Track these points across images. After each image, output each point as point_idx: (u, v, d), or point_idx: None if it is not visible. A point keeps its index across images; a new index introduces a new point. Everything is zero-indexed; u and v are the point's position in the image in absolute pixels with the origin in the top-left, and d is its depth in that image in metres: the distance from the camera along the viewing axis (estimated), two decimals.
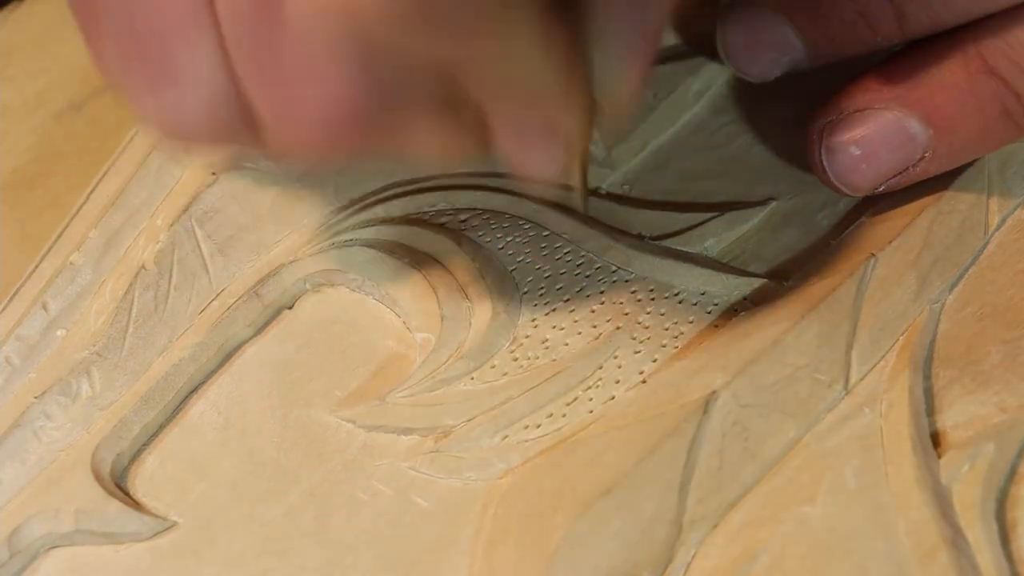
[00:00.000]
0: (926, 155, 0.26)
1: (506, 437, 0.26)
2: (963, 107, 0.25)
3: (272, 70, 0.20)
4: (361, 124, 0.21)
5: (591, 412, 0.26)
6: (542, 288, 0.28)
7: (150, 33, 0.21)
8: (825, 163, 0.27)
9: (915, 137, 0.26)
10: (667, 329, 0.27)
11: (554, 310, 0.27)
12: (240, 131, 0.22)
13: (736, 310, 0.27)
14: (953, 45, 0.25)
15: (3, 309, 0.28)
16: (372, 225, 0.29)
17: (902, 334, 0.26)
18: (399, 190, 0.29)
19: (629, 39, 0.22)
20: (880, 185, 0.26)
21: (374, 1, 0.18)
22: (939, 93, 0.25)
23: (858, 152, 0.26)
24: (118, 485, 0.26)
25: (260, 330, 0.28)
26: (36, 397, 0.27)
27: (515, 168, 0.23)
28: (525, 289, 0.28)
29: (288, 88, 0.20)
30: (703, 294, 0.27)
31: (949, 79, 0.25)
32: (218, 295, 0.28)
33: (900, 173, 0.26)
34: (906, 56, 0.26)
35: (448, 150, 0.22)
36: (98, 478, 0.26)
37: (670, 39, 0.32)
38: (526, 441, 0.25)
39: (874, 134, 0.26)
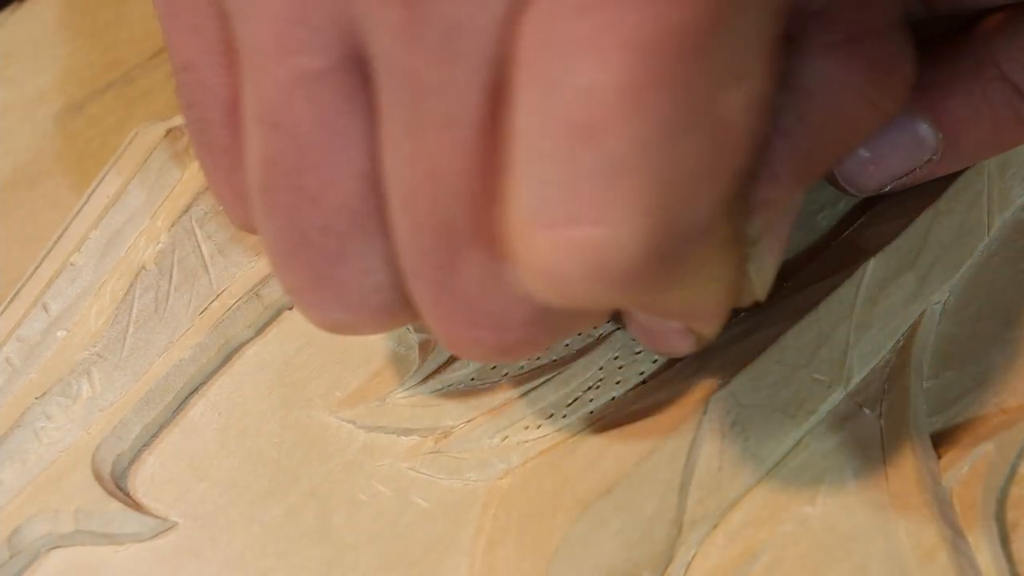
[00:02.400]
0: (934, 157, 0.26)
1: (506, 437, 0.26)
2: (974, 112, 0.25)
3: (449, 305, 0.20)
4: (527, 349, 0.21)
5: (591, 412, 0.26)
6: None
7: (319, 244, 0.21)
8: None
9: (924, 140, 0.25)
10: None
11: None
12: (399, 325, 0.23)
13: (736, 310, 0.27)
14: (965, 50, 0.25)
15: (3, 310, 0.28)
16: None
17: (902, 334, 0.26)
18: None
19: (780, 237, 0.22)
20: (887, 186, 0.27)
21: (615, 290, 0.17)
22: (950, 97, 0.25)
23: (867, 154, 0.26)
24: (118, 485, 0.26)
25: (260, 331, 0.28)
26: (36, 398, 0.27)
27: (643, 343, 0.25)
28: None
29: (464, 324, 0.20)
30: None
31: (961, 83, 0.25)
32: (218, 296, 0.28)
33: (907, 174, 0.26)
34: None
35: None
36: (98, 478, 0.26)
37: None
38: (526, 441, 0.25)
39: (883, 137, 0.26)
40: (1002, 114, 0.25)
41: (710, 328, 0.23)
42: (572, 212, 0.17)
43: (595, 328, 0.27)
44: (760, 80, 0.17)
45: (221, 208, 0.24)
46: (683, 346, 0.24)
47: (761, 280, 0.23)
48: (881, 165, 0.26)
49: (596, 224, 0.17)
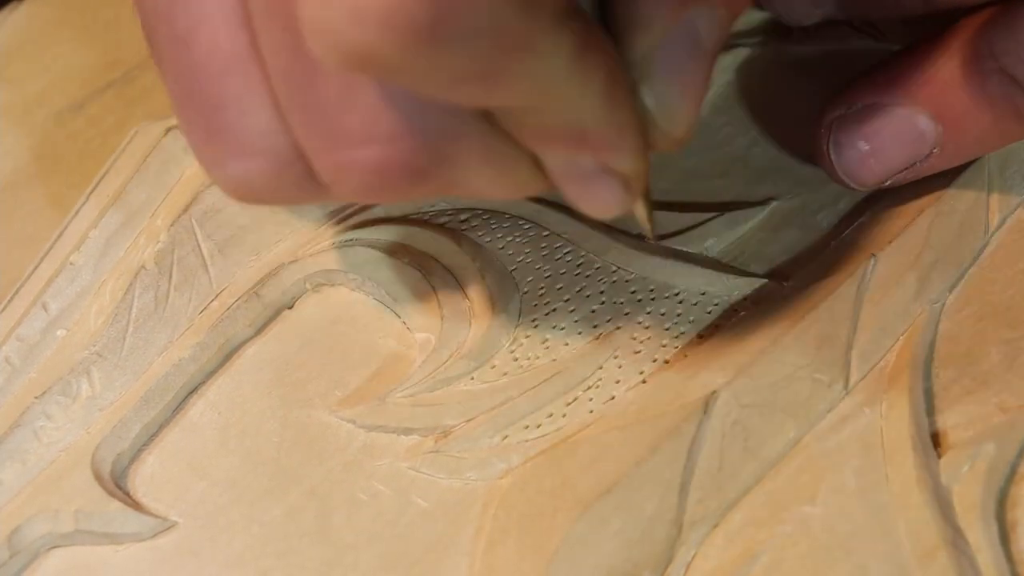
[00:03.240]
0: (934, 151, 0.26)
1: (506, 437, 0.26)
2: (974, 105, 0.25)
3: (321, 127, 0.20)
4: (417, 172, 0.20)
5: (591, 412, 0.26)
6: (542, 288, 0.28)
7: (202, 91, 0.21)
8: (833, 157, 0.27)
9: (924, 133, 0.25)
10: (667, 329, 0.27)
11: (554, 310, 0.27)
12: (306, 188, 0.22)
13: (736, 310, 0.27)
14: (965, 43, 0.25)
15: (3, 309, 0.28)
16: (372, 225, 0.29)
17: (902, 334, 0.26)
18: None
19: (678, 67, 0.21)
20: (887, 180, 0.26)
21: (382, 39, 0.17)
22: (950, 90, 0.25)
23: (867, 147, 0.26)
24: (118, 485, 0.26)
25: (260, 330, 0.28)
26: (36, 397, 0.27)
27: (578, 207, 0.23)
28: (525, 289, 0.28)
29: (340, 144, 0.20)
30: (703, 294, 0.27)
31: (960, 77, 0.25)
32: (218, 295, 0.28)
33: (907, 168, 0.26)
34: (916, 53, 0.26)
35: (508, 191, 0.22)
36: (98, 478, 0.26)
37: None
38: (526, 441, 0.25)
39: (883, 130, 0.26)
40: (1001, 107, 0.25)
41: (624, 162, 0.22)
42: None
43: (595, 328, 0.27)
44: None
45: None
46: (609, 192, 0.22)
47: (667, 113, 0.22)
48: (881, 159, 0.26)
49: None
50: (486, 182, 0.21)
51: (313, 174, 0.21)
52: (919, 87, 0.25)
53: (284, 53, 0.19)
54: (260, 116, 0.21)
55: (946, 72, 0.25)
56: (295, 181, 0.22)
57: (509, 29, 0.17)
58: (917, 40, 0.26)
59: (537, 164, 0.22)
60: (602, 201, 0.22)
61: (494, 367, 0.26)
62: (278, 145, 0.21)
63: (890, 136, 0.26)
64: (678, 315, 0.27)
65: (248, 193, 0.22)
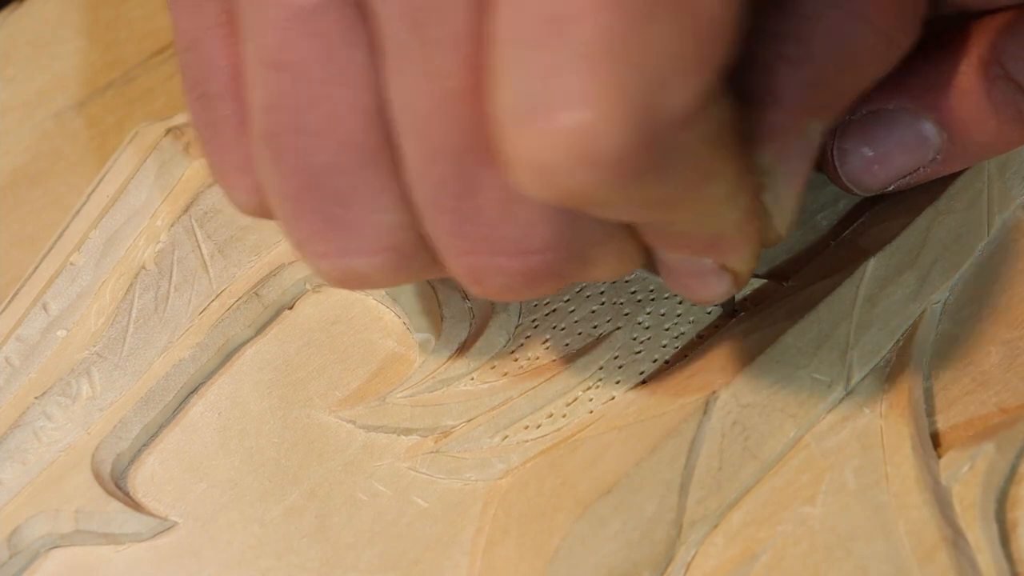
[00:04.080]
0: (938, 156, 0.26)
1: (506, 437, 0.26)
2: (978, 111, 0.25)
3: (473, 234, 0.20)
4: (559, 277, 0.21)
5: (591, 412, 0.26)
6: None
7: (327, 185, 0.21)
8: (837, 163, 0.27)
9: (928, 139, 0.25)
10: (667, 329, 0.27)
11: (554, 310, 0.27)
12: (420, 276, 0.23)
13: (736, 310, 0.27)
14: (970, 49, 0.25)
15: (3, 309, 0.28)
16: None
17: (902, 334, 0.26)
18: None
19: (795, 170, 0.22)
20: (891, 185, 0.26)
21: (601, 180, 0.17)
22: (954, 96, 0.25)
23: (871, 154, 0.26)
24: (118, 485, 0.26)
25: (260, 330, 0.28)
26: (36, 397, 0.27)
27: (682, 295, 0.24)
28: None
29: (491, 251, 0.20)
30: None
31: (965, 83, 0.25)
32: (218, 295, 0.28)
33: (911, 173, 0.26)
34: (921, 58, 0.26)
35: (612, 278, 0.23)
36: (98, 478, 0.26)
37: None
38: (526, 441, 0.25)
39: (887, 135, 0.26)
40: (1006, 113, 0.25)
41: (741, 263, 0.23)
42: (550, 101, 0.17)
43: (595, 328, 0.27)
44: None
45: (225, 190, 0.24)
46: (719, 287, 0.24)
47: (780, 214, 0.23)
48: (885, 164, 0.26)
49: (574, 110, 0.17)
50: (603, 274, 0.22)
51: (434, 265, 0.22)
52: (924, 93, 0.25)
53: (439, 162, 0.19)
54: (391, 213, 0.21)
55: (951, 78, 0.25)
56: (413, 271, 0.22)
57: (703, 163, 0.19)
58: (921, 46, 0.26)
59: (647, 252, 0.23)
60: (712, 294, 0.24)
61: (494, 367, 0.27)
62: (405, 241, 0.21)
63: (894, 142, 0.26)
64: (678, 315, 0.27)
65: (359, 282, 0.22)
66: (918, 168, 0.26)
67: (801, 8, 0.21)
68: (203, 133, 0.23)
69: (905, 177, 0.26)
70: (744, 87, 0.21)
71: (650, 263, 0.23)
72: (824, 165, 0.27)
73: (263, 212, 0.23)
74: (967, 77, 0.25)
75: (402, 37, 0.19)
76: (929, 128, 0.25)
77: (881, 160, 0.26)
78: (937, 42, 0.26)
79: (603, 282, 0.23)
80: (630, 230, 0.22)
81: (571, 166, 0.17)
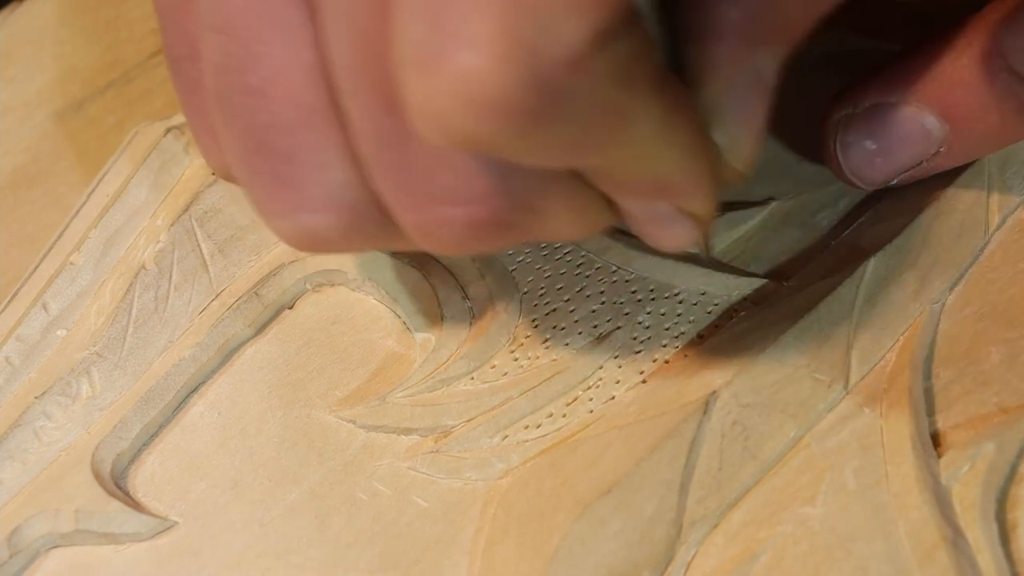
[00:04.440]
0: (941, 149, 0.26)
1: (506, 437, 0.26)
2: (981, 104, 0.25)
3: (413, 186, 0.20)
4: (506, 226, 0.21)
5: (591, 412, 0.26)
6: (542, 288, 0.28)
7: (274, 144, 0.21)
8: (840, 157, 0.27)
9: (931, 132, 0.25)
10: (667, 329, 0.27)
11: (554, 310, 0.27)
12: (378, 237, 0.22)
13: (736, 310, 0.27)
14: (972, 42, 0.25)
15: (3, 309, 0.28)
16: None
17: (902, 334, 0.26)
18: None
19: (745, 105, 0.22)
20: (893, 179, 0.26)
21: (491, 126, 0.17)
22: (957, 89, 0.25)
23: (873, 147, 0.26)
24: (118, 485, 0.26)
25: (260, 330, 0.28)
26: (36, 397, 0.27)
27: (650, 244, 0.24)
28: (525, 289, 0.28)
29: (432, 202, 0.20)
30: (703, 294, 0.27)
31: (967, 76, 0.25)
32: (218, 295, 0.28)
33: (914, 167, 0.26)
34: (923, 52, 0.26)
35: (582, 232, 0.23)
36: (98, 478, 0.26)
37: None
38: (526, 441, 0.25)
39: (890, 129, 0.26)
40: (1008, 105, 0.25)
41: (698, 205, 0.22)
42: (438, 48, 0.17)
43: (595, 328, 0.27)
44: None
45: (200, 151, 0.24)
46: (680, 231, 0.23)
47: (735, 151, 0.22)
48: (888, 158, 0.26)
49: (460, 54, 0.17)
50: (565, 227, 0.22)
51: (387, 224, 0.22)
52: (926, 86, 0.25)
53: (374, 115, 0.20)
54: (338, 170, 0.21)
55: (953, 71, 0.25)
56: (368, 231, 0.22)
57: (610, 104, 0.18)
58: (923, 39, 0.26)
59: (611, 204, 0.22)
60: (677, 239, 0.23)
61: (494, 367, 0.27)
62: (355, 197, 0.21)
63: (897, 135, 0.26)
64: (678, 315, 0.27)
65: (316, 243, 0.22)
66: (921, 161, 0.26)
67: None
68: (180, 99, 0.24)
69: (908, 171, 0.26)
70: (680, 23, 0.21)
71: (617, 216, 0.23)
72: (827, 159, 0.27)
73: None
74: (969, 70, 0.25)
75: None
76: (932, 121, 0.25)
77: (884, 153, 0.26)
78: (939, 35, 0.26)
79: (575, 238, 0.22)
80: (578, 178, 0.21)
81: (462, 112, 0.17)
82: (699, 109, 0.22)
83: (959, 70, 0.25)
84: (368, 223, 0.22)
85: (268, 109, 0.20)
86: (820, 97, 0.27)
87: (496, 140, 0.18)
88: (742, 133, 0.22)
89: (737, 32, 0.21)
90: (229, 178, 0.24)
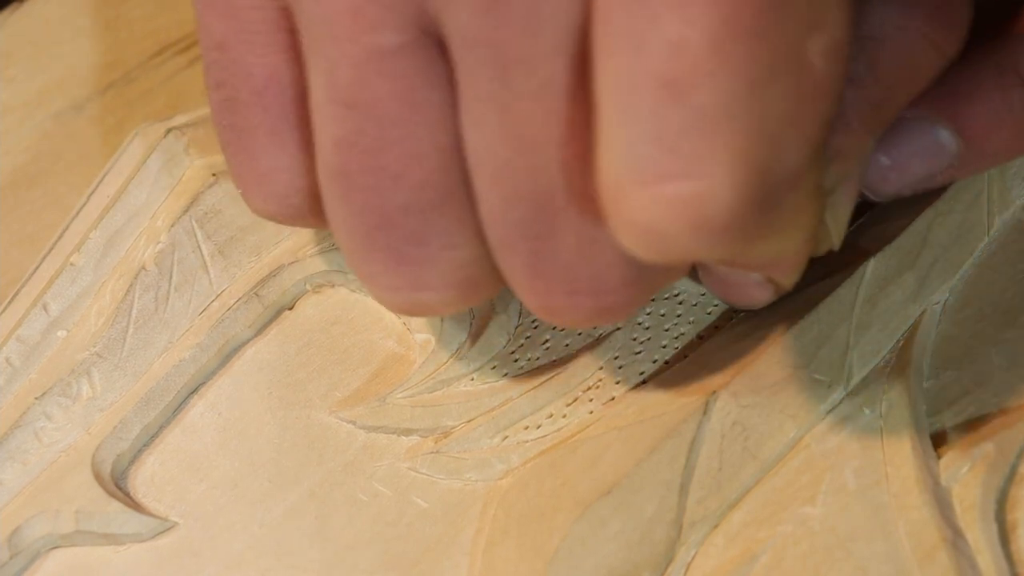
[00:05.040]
0: (954, 163, 0.26)
1: (506, 438, 0.26)
2: (995, 118, 0.25)
3: (549, 274, 0.20)
4: (625, 311, 0.21)
5: (591, 412, 0.26)
6: None
7: (402, 224, 0.21)
8: None
9: (945, 147, 0.25)
10: (667, 329, 0.27)
11: None
12: (482, 301, 0.23)
13: (736, 310, 0.27)
14: (986, 57, 0.25)
15: (3, 310, 0.28)
16: None
17: (902, 334, 0.26)
18: None
19: (855, 188, 0.23)
20: (906, 191, 0.26)
21: (712, 242, 0.18)
22: (971, 104, 0.25)
23: (888, 162, 0.26)
24: (118, 486, 0.26)
25: (260, 331, 0.28)
26: (36, 398, 0.27)
27: (721, 299, 0.25)
28: None
29: (567, 291, 0.21)
30: (703, 295, 0.27)
31: (981, 89, 0.25)
32: (218, 296, 0.28)
33: (926, 180, 0.26)
34: None
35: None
36: (98, 479, 0.26)
37: None
38: (526, 442, 0.25)
39: (903, 143, 0.26)
40: (1022, 119, 0.25)
41: (789, 278, 0.23)
42: (666, 168, 0.17)
43: (595, 328, 0.27)
44: (839, 25, 0.17)
45: (243, 195, 0.24)
46: (762, 296, 0.24)
47: (836, 228, 0.23)
48: (902, 171, 0.26)
49: (691, 178, 0.17)
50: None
51: (497, 292, 0.22)
52: (940, 100, 0.25)
53: (520, 206, 0.19)
54: (464, 249, 0.21)
55: (967, 85, 0.25)
56: (479, 300, 0.22)
57: (802, 208, 0.19)
58: None
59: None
60: (752, 302, 0.24)
61: (494, 367, 0.27)
62: (478, 274, 0.21)
63: (910, 149, 0.26)
64: (678, 315, 0.27)
65: (428, 312, 0.23)
66: (933, 174, 0.26)
67: (866, 31, 0.21)
68: (225, 135, 0.23)
69: (920, 183, 0.26)
70: None
71: (692, 272, 0.24)
72: None
73: (280, 219, 0.23)
74: (983, 84, 0.25)
75: (485, 85, 0.19)
76: (946, 135, 0.25)
77: (898, 168, 0.26)
78: None
79: None
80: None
81: (686, 232, 0.17)
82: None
83: (975, 85, 0.25)
84: (482, 294, 0.22)
85: (401, 191, 0.20)
86: None
87: (710, 254, 0.18)
88: (846, 211, 0.23)
89: (864, 120, 0.22)
90: (274, 220, 0.24)
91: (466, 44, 0.19)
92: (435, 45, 0.19)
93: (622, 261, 0.20)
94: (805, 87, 0.17)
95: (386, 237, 0.21)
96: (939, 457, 0.25)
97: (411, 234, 0.21)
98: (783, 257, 0.22)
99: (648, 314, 0.27)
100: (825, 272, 0.26)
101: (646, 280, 0.21)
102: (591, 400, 0.26)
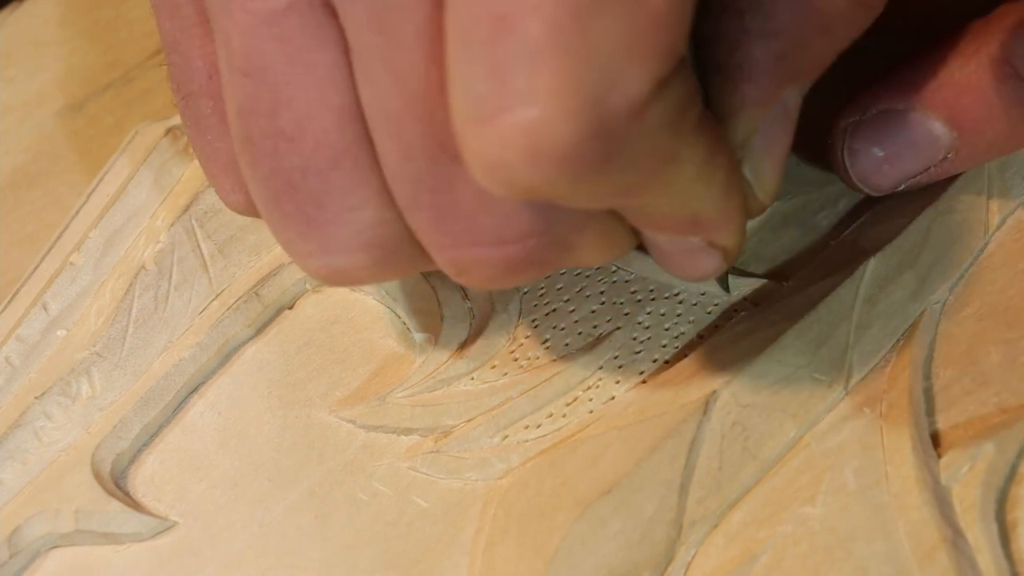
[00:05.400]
0: (948, 156, 0.26)
1: (506, 437, 0.26)
2: (988, 110, 0.25)
3: (453, 226, 0.20)
4: (541, 264, 0.21)
5: (591, 412, 0.26)
6: (542, 288, 0.28)
7: (304, 186, 0.21)
8: (847, 163, 0.27)
9: (939, 139, 0.25)
10: (667, 329, 0.27)
11: (554, 310, 0.27)
12: (406, 270, 0.23)
13: (736, 310, 0.27)
14: (980, 49, 0.25)
15: (3, 309, 0.28)
16: None
17: (902, 334, 0.26)
18: None
19: (773, 140, 0.23)
20: (901, 185, 0.26)
21: (554, 176, 0.18)
22: (964, 95, 0.25)
23: (881, 154, 0.26)
24: (118, 485, 0.26)
25: (260, 330, 0.28)
26: (36, 397, 0.27)
27: (674, 275, 0.24)
28: (525, 289, 0.28)
29: (472, 242, 0.21)
30: (703, 294, 0.27)
31: (975, 82, 0.25)
32: (218, 295, 0.28)
33: (921, 173, 0.26)
34: (931, 58, 0.26)
35: (606, 262, 0.23)
36: (98, 478, 0.26)
37: None
38: (526, 441, 0.25)
39: (898, 136, 0.26)
40: (1016, 113, 0.25)
41: (729, 238, 0.23)
42: (501, 101, 0.17)
43: (595, 328, 0.27)
44: None
45: (214, 189, 0.24)
46: (710, 263, 0.24)
47: (762, 185, 0.23)
48: (895, 164, 0.26)
49: (524, 107, 0.17)
50: (592, 258, 0.22)
51: (417, 257, 0.22)
52: (933, 92, 0.25)
53: (415, 158, 0.20)
54: (369, 209, 0.21)
55: (960, 77, 0.25)
56: (397, 266, 0.22)
57: (663, 148, 0.19)
58: (930, 45, 0.26)
59: (635, 233, 0.23)
60: (703, 271, 0.24)
61: (494, 367, 0.27)
62: (386, 235, 0.21)
63: (905, 142, 0.26)
64: (678, 315, 0.27)
65: (346, 280, 0.22)
66: (928, 168, 0.26)
67: None
68: (190, 132, 0.24)
69: (915, 177, 0.26)
70: (711, 62, 0.21)
71: (640, 244, 0.23)
72: (834, 165, 0.27)
73: (252, 211, 0.23)
74: (977, 76, 0.25)
75: (368, 37, 0.19)
76: (939, 128, 0.25)
77: (891, 160, 0.26)
78: (947, 41, 0.26)
79: (596, 267, 0.23)
80: (612, 214, 0.22)
81: (526, 163, 0.17)
82: (729, 145, 0.22)
83: (967, 77, 0.25)
84: (401, 258, 0.22)
85: (298, 152, 0.20)
86: (819, 97, 0.27)
87: (556, 189, 0.18)
88: (769, 166, 0.23)
89: (768, 71, 0.21)
90: (245, 212, 0.24)
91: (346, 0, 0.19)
92: (323, 5, 0.19)
93: (522, 209, 0.20)
94: (638, 18, 0.17)
95: (291, 200, 0.21)
96: (939, 457, 0.25)
97: (313, 197, 0.21)
98: (705, 213, 0.21)
99: (648, 314, 0.27)
100: (825, 272, 0.27)
101: (553, 229, 0.21)
102: (591, 400, 0.26)
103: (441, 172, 0.20)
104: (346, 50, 0.20)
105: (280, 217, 0.22)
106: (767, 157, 0.23)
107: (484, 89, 0.17)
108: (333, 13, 0.19)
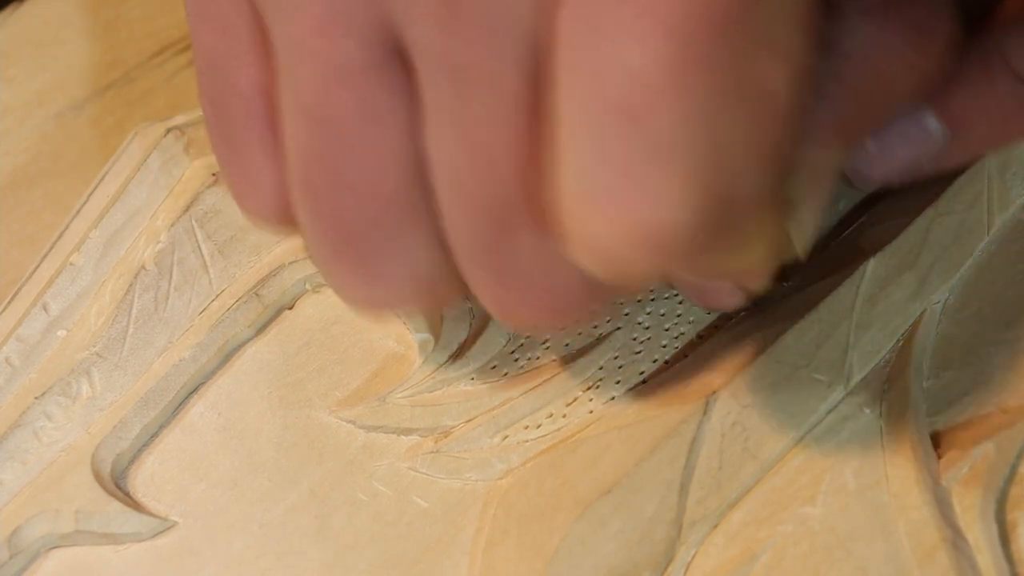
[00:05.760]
0: (940, 149, 0.26)
1: (506, 437, 0.26)
2: (981, 104, 0.25)
3: (509, 283, 0.20)
4: (584, 315, 0.22)
5: (591, 412, 0.26)
6: None
7: (362, 233, 0.21)
8: None
9: (930, 132, 0.25)
10: (667, 329, 0.27)
11: None
12: (443, 300, 0.23)
13: (736, 310, 0.27)
14: (973, 42, 0.25)
15: (3, 309, 0.28)
16: None
17: (902, 334, 0.26)
18: None
19: (818, 195, 0.23)
20: (891, 177, 0.26)
21: (663, 262, 0.18)
22: (957, 89, 0.25)
23: (873, 147, 0.26)
24: (118, 485, 0.26)
25: (260, 331, 0.28)
26: (36, 397, 0.27)
27: (691, 300, 0.25)
28: None
29: (522, 299, 0.21)
30: None
31: (968, 76, 0.25)
32: (218, 295, 0.28)
33: (914, 167, 0.26)
34: None
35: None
36: (98, 478, 0.26)
37: None
38: (526, 441, 0.25)
39: (889, 129, 0.26)
40: (1009, 106, 0.25)
41: (758, 284, 0.24)
42: (621, 193, 0.17)
43: (595, 328, 0.27)
44: (797, 51, 0.17)
45: (234, 201, 0.24)
46: (733, 302, 0.25)
47: (800, 236, 0.23)
48: (887, 157, 0.26)
49: (645, 202, 0.17)
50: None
51: (459, 291, 0.22)
52: None
53: (480, 219, 0.20)
54: (425, 250, 0.21)
55: (953, 71, 0.25)
56: (439, 299, 0.22)
57: (759, 225, 0.19)
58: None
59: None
60: (723, 305, 0.25)
61: (494, 367, 0.27)
62: (437, 275, 0.21)
63: (897, 136, 0.26)
64: (678, 315, 0.27)
65: (385, 309, 0.23)
66: (920, 161, 0.26)
67: (836, 45, 0.21)
68: (219, 149, 0.23)
69: (908, 171, 0.26)
70: None
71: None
72: None
73: (274, 226, 0.23)
74: (970, 70, 0.25)
75: (446, 99, 0.19)
76: (931, 122, 0.25)
77: (883, 154, 0.26)
78: None
79: None
80: None
81: (640, 255, 0.17)
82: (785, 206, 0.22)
83: (959, 70, 0.25)
84: (442, 292, 0.22)
85: (362, 207, 0.20)
86: None
87: (661, 272, 0.18)
88: (810, 218, 0.23)
89: (834, 135, 0.22)
90: (266, 223, 0.24)
91: (427, 60, 0.19)
92: (398, 61, 0.19)
93: (582, 274, 0.20)
94: (761, 113, 0.17)
95: (350, 248, 0.21)
96: (939, 457, 0.25)
97: (375, 246, 0.21)
98: (748, 267, 0.22)
99: (648, 314, 0.27)
100: (825, 272, 0.27)
101: (608, 290, 0.21)
102: (591, 400, 0.26)
103: (504, 233, 0.20)
104: (418, 106, 0.19)
105: (334, 261, 0.21)
106: (811, 212, 0.23)
107: (603, 178, 0.17)
108: (408, 68, 0.19)
